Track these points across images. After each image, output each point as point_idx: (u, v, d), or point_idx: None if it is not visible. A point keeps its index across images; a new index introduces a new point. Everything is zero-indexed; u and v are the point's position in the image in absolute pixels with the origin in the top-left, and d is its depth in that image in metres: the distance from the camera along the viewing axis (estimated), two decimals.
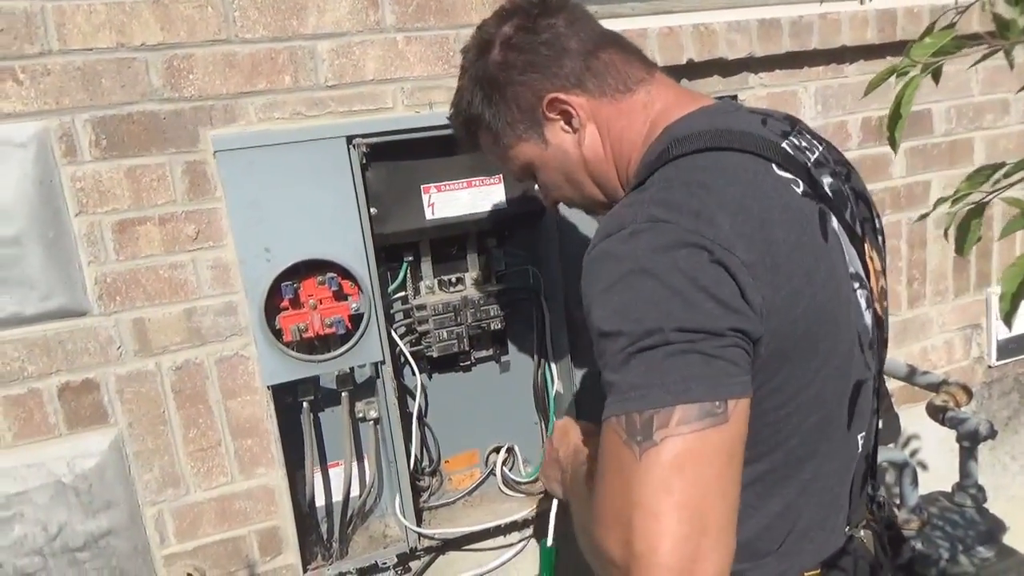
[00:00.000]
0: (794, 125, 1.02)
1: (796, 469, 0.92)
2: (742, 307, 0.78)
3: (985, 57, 0.70)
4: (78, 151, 1.41)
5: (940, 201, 0.76)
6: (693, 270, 0.77)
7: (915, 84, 0.68)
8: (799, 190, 0.89)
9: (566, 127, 1.03)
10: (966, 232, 0.78)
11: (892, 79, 0.77)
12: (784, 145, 0.93)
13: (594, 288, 0.82)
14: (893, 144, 0.70)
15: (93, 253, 1.45)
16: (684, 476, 0.73)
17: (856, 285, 0.96)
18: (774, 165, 0.89)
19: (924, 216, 0.81)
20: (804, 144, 0.98)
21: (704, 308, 0.76)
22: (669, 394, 0.74)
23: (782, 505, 0.93)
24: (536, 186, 1.16)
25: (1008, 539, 1.85)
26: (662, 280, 0.77)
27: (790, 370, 0.85)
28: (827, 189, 0.96)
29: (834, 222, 0.93)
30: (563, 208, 1.65)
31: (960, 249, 0.79)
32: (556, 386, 1.80)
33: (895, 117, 0.69)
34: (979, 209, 0.76)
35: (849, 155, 2.02)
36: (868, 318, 0.98)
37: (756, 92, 1.91)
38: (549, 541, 1.31)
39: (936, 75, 0.71)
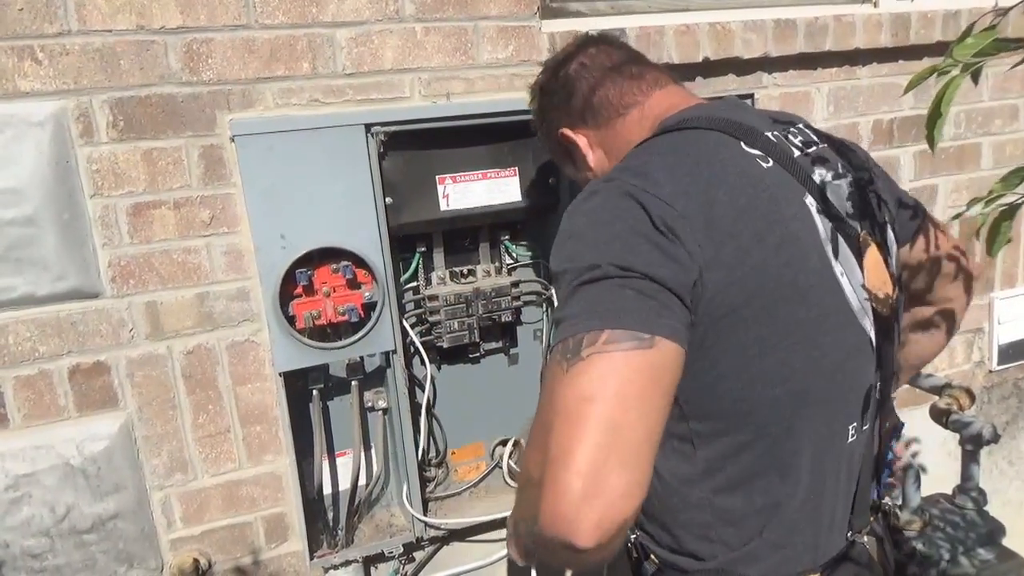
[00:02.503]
0: (794, 123, 1.07)
1: (772, 448, 0.93)
2: (681, 257, 0.84)
3: None
4: (95, 132, 1.40)
5: (974, 202, 0.77)
6: (635, 220, 0.85)
7: (956, 84, 0.68)
8: (765, 165, 0.95)
9: (578, 152, 1.21)
10: (996, 233, 0.79)
11: (925, 81, 0.77)
12: (767, 133, 0.99)
13: (556, 241, 0.91)
14: (931, 142, 0.70)
15: (107, 235, 1.44)
16: (606, 388, 0.76)
17: (864, 295, 0.97)
18: (742, 143, 0.96)
19: (957, 216, 0.81)
20: (800, 140, 1.03)
21: (642, 251, 0.83)
22: (601, 319, 0.79)
23: (764, 483, 0.94)
24: None
25: (1007, 543, 1.87)
26: (607, 226, 0.86)
27: (745, 332, 0.88)
28: (816, 179, 0.98)
29: (809, 200, 0.95)
30: None
31: (990, 250, 0.80)
32: None
33: (935, 116, 0.69)
34: (1011, 211, 0.77)
35: None
36: (867, 321, 0.99)
37: (770, 92, 1.92)
38: None
39: (976, 76, 0.72)
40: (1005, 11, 0.75)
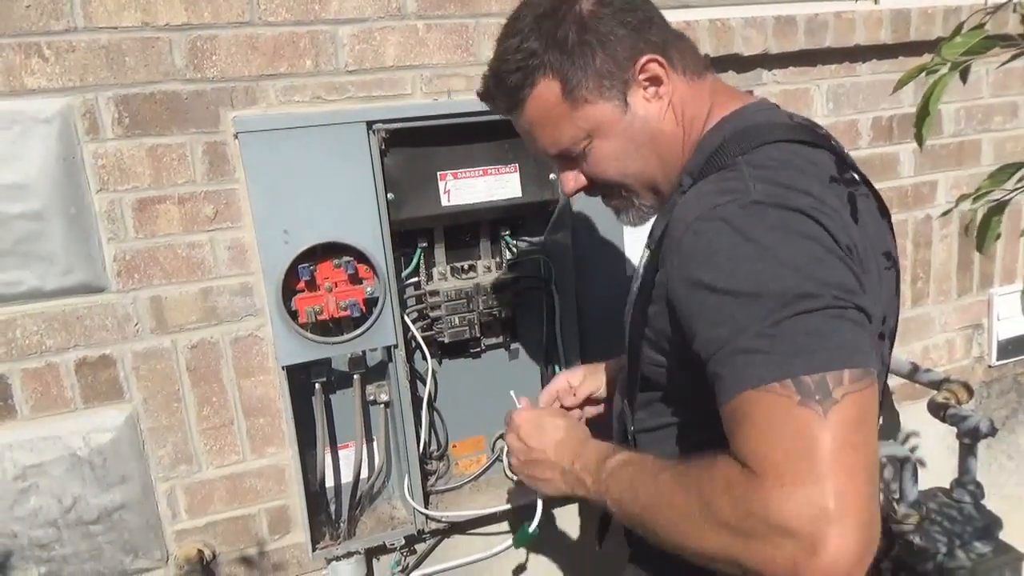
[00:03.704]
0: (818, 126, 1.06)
1: None
2: (864, 285, 0.81)
3: (1015, 57, 0.71)
4: (101, 128, 1.42)
5: (963, 198, 0.78)
6: (826, 242, 0.79)
7: (944, 82, 0.70)
8: (858, 178, 0.95)
9: (648, 95, 0.98)
10: (987, 229, 0.80)
11: (916, 79, 0.78)
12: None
13: (722, 252, 0.81)
14: (920, 140, 0.72)
15: (113, 230, 1.46)
16: (863, 433, 0.73)
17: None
18: (835, 158, 0.93)
19: (945, 213, 0.83)
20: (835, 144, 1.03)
21: (846, 276, 0.78)
22: (836, 357, 0.74)
23: None
24: (559, 171, 1.07)
25: (1003, 536, 1.88)
26: (801, 246, 0.78)
27: None
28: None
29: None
30: (577, 201, 1.67)
31: (980, 246, 0.81)
32: None
33: (923, 114, 0.71)
34: (1001, 206, 0.78)
35: (859, 154, 2.05)
36: None
37: (769, 89, 1.93)
38: (532, 527, 1.33)
39: (964, 74, 0.73)
40: (995, 8, 0.76)
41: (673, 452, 1.01)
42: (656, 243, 0.96)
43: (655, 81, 0.97)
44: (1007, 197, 0.77)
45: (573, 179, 1.05)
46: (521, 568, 1.95)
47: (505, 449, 1.82)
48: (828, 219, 0.80)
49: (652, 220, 1.06)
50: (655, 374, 0.99)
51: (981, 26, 0.73)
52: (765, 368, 0.74)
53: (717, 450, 0.79)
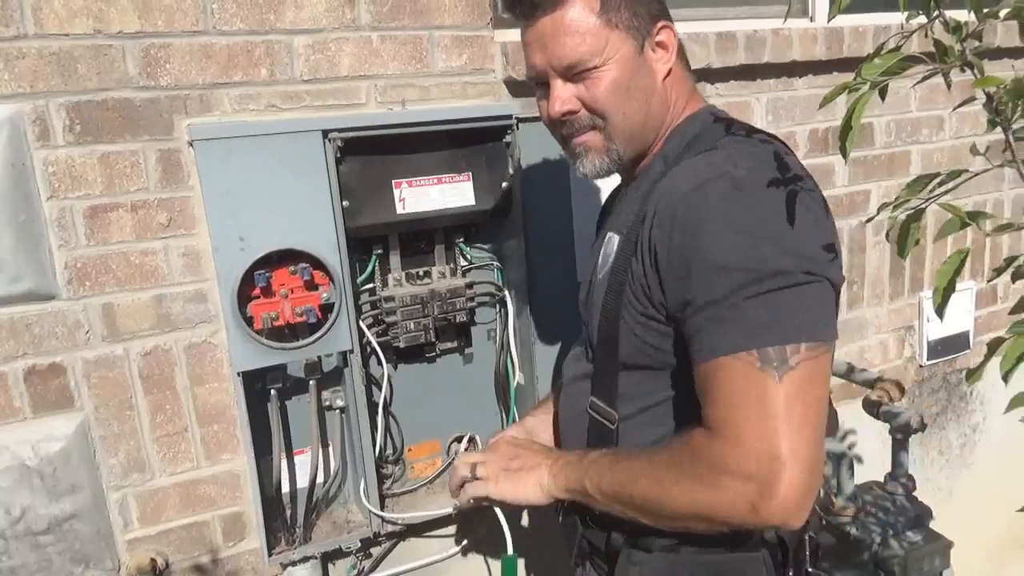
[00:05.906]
0: None
1: None
2: (840, 261, 0.97)
3: (926, 78, 0.78)
4: (51, 135, 1.41)
5: (883, 207, 0.85)
6: (817, 217, 0.95)
7: (865, 100, 0.76)
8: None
9: (657, 56, 1.09)
10: (906, 235, 0.87)
11: (844, 95, 0.85)
12: None
13: (706, 223, 0.93)
14: (844, 153, 0.78)
15: (63, 237, 1.45)
16: (812, 394, 0.89)
17: None
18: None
19: (868, 220, 0.89)
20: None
21: (824, 252, 0.93)
22: (797, 331, 0.89)
23: None
24: (550, 92, 1.09)
25: (934, 526, 1.99)
26: (786, 216, 0.92)
27: None
28: None
29: None
30: (528, 207, 1.71)
31: (901, 251, 0.88)
32: (517, 378, 1.86)
33: (846, 129, 0.77)
34: (918, 214, 0.85)
35: None
36: None
37: (713, 101, 1.99)
38: (509, 550, 1.34)
39: (883, 92, 0.80)
40: (911, 33, 0.83)
41: (666, 432, 1.06)
42: (630, 226, 1.05)
43: (663, 47, 1.09)
44: (923, 205, 0.84)
45: (563, 100, 1.08)
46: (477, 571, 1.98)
47: (460, 452, 1.85)
48: (808, 194, 0.94)
49: (619, 197, 1.21)
50: (647, 352, 1.04)
51: (898, 48, 0.80)
52: (736, 337, 0.89)
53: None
